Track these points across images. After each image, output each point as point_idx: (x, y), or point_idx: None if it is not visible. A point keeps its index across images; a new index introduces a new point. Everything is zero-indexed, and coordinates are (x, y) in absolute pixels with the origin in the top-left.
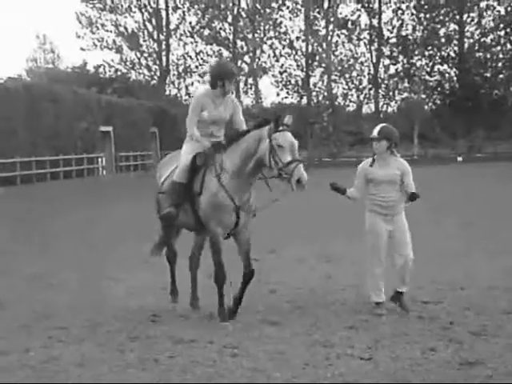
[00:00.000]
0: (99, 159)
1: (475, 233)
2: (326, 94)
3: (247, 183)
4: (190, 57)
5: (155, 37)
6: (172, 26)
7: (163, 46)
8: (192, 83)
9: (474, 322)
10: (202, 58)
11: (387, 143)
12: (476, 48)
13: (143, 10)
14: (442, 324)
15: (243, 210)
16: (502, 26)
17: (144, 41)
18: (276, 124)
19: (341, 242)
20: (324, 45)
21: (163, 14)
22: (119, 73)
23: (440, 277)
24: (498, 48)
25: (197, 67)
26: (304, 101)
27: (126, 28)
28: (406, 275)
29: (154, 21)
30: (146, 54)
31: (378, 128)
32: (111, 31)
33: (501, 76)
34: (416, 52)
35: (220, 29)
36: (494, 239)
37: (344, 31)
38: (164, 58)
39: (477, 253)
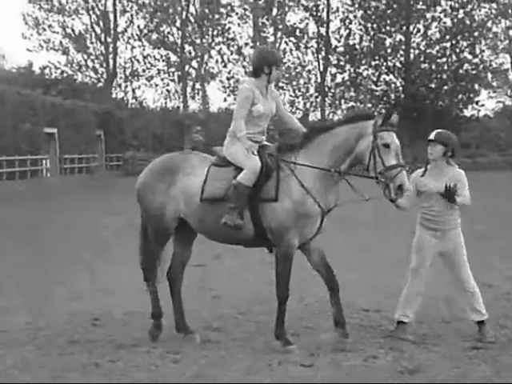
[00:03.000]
0: (43, 161)
1: None
2: None
3: (336, 183)
4: (138, 60)
5: (102, 39)
6: (120, 29)
7: (110, 49)
8: (139, 87)
9: (415, 331)
10: (149, 62)
11: (443, 149)
12: (422, 59)
13: (91, 13)
14: (383, 332)
15: (326, 214)
16: (447, 37)
17: (91, 43)
18: (385, 121)
19: None
20: None
21: (111, 16)
22: (65, 74)
23: (382, 285)
24: (444, 59)
25: (144, 71)
26: None
27: (73, 30)
28: (470, 303)
29: (101, 23)
30: (92, 57)
31: (435, 132)
32: (58, 33)
33: (445, 87)
34: (363, 61)
35: (168, 33)
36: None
37: (292, 39)
38: (111, 61)
39: None
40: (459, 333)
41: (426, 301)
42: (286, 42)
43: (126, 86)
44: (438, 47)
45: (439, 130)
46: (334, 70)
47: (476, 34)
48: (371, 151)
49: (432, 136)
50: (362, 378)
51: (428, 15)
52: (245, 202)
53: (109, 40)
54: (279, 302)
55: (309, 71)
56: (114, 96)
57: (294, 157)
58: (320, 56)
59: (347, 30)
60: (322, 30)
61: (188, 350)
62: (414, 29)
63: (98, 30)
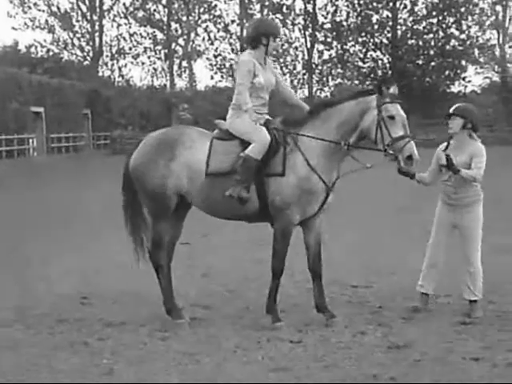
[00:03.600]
0: (30, 140)
1: (407, 218)
2: None
3: (341, 159)
4: (124, 38)
5: (88, 17)
6: (105, 7)
7: (96, 27)
8: (125, 65)
9: (403, 307)
10: (135, 40)
11: (462, 122)
12: (409, 35)
13: None
14: (371, 308)
15: (331, 190)
16: (434, 13)
17: (77, 21)
18: (382, 93)
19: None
20: None
21: None
22: (51, 53)
23: (371, 261)
24: (431, 35)
25: (130, 49)
26: None
27: (58, 8)
28: (466, 281)
29: (87, 1)
30: (78, 35)
31: (454, 106)
32: (44, 11)
33: (432, 64)
34: (350, 38)
35: (154, 11)
36: (423, 225)
37: (279, 16)
38: (97, 39)
39: (408, 238)
40: (448, 308)
41: (414, 277)
42: (272, 19)
43: (113, 65)
44: (424, 23)
45: (458, 104)
46: (321, 47)
47: (463, 9)
48: (377, 124)
49: (451, 110)
50: (350, 354)
51: None
52: (252, 175)
53: (95, 18)
54: (273, 276)
55: (296, 48)
56: (100, 74)
57: (299, 131)
58: (307, 33)
59: (334, 7)
60: (309, 7)
61: (176, 328)
62: (400, 5)
63: (83, 7)
